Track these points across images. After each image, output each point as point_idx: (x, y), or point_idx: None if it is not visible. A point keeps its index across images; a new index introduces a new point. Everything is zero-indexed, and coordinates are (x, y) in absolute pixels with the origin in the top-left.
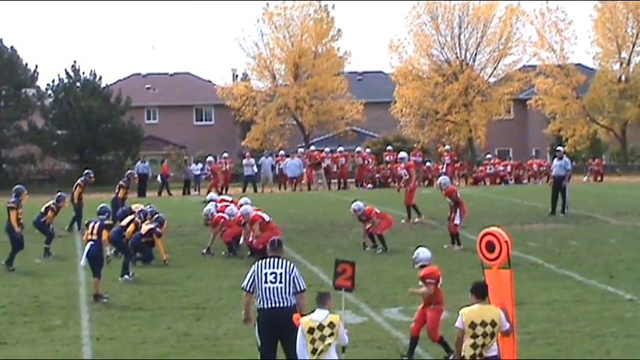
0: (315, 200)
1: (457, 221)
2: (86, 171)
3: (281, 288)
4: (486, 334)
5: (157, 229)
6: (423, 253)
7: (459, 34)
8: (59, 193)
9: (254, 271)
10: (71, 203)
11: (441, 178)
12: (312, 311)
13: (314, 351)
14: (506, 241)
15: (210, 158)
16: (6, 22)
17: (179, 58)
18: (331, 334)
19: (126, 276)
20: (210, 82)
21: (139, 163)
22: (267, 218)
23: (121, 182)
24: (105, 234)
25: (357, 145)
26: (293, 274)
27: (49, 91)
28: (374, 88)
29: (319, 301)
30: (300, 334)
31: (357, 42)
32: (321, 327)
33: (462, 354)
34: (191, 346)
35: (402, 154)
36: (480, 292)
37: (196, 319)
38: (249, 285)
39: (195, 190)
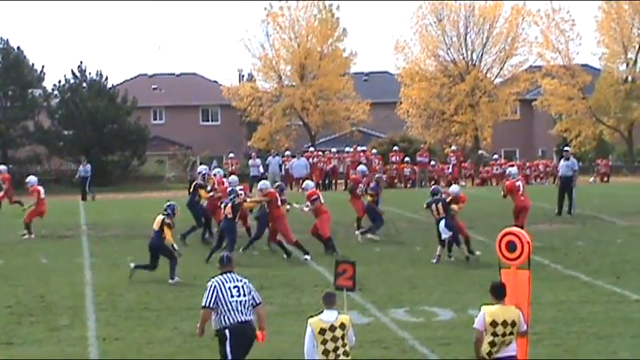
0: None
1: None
2: None
3: (246, 301)
4: (505, 334)
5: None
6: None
7: (465, 35)
8: None
9: (216, 287)
10: None
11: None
12: (321, 312)
13: (325, 352)
14: (529, 242)
15: (1, 167)
16: (12, 23)
17: (185, 58)
18: (342, 336)
19: (175, 279)
20: (217, 82)
21: (80, 167)
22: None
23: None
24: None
25: (361, 145)
26: (250, 286)
27: (56, 92)
28: (380, 89)
29: (327, 302)
30: (310, 335)
31: (362, 42)
32: (332, 328)
33: (480, 351)
34: (197, 345)
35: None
36: (498, 293)
37: None
38: (211, 301)
39: None
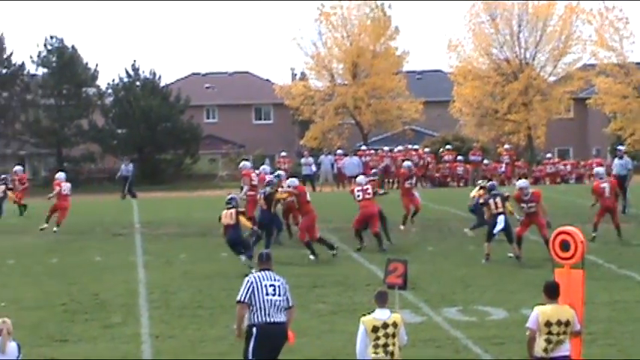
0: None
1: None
2: (2, 175)
3: (280, 302)
4: (560, 334)
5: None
6: None
7: (518, 33)
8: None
9: (252, 282)
10: None
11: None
12: (372, 311)
13: (375, 346)
14: (582, 241)
15: (17, 167)
16: (67, 22)
17: (238, 57)
18: (394, 333)
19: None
20: (269, 81)
21: (123, 166)
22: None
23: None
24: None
25: (414, 144)
26: (286, 287)
27: (109, 90)
28: (433, 87)
29: (380, 300)
30: (363, 334)
31: (415, 41)
32: (385, 326)
33: (535, 349)
34: None
35: None
36: (552, 292)
37: None
38: (246, 296)
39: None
